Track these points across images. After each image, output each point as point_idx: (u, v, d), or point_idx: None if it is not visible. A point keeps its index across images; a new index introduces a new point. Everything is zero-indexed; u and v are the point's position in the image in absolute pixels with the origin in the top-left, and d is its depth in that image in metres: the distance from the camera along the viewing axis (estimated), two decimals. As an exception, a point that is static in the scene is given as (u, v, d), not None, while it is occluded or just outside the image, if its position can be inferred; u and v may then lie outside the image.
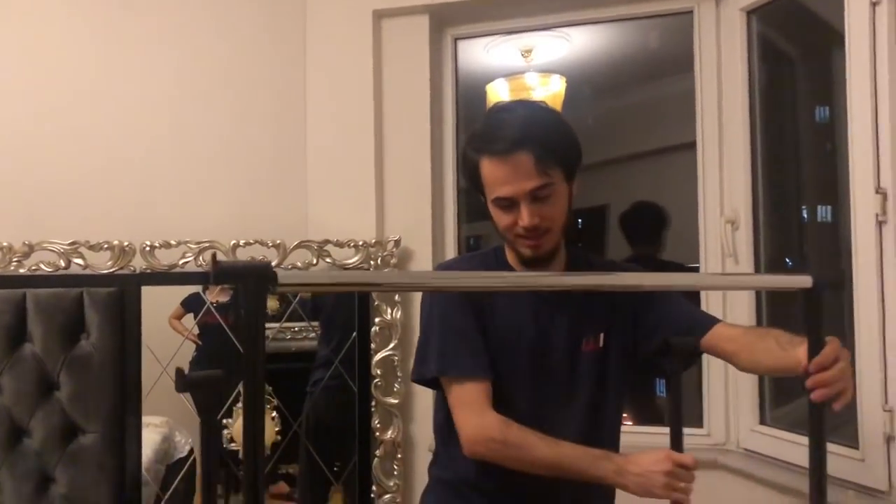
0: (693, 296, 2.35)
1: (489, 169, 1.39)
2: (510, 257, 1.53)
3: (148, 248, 2.26)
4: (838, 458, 1.90)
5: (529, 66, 3.34)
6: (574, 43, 3.15)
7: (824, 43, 2.32)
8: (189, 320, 2.67)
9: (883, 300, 1.76)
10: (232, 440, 2.42)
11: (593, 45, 3.32)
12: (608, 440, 1.51)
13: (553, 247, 1.45)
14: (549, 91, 3.30)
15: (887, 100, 1.75)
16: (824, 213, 2.48)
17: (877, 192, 1.77)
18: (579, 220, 4.66)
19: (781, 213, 2.43)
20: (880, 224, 1.77)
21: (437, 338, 1.47)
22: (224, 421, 2.43)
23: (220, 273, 0.75)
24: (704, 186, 2.35)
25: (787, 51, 2.53)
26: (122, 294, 2.16)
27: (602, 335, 1.48)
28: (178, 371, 1.09)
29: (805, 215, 2.53)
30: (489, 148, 1.39)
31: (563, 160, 1.40)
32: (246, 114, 2.60)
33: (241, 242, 2.34)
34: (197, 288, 2.66)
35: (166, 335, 2.56)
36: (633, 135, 3.97)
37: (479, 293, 1.46)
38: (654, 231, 3.09)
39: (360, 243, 2.42)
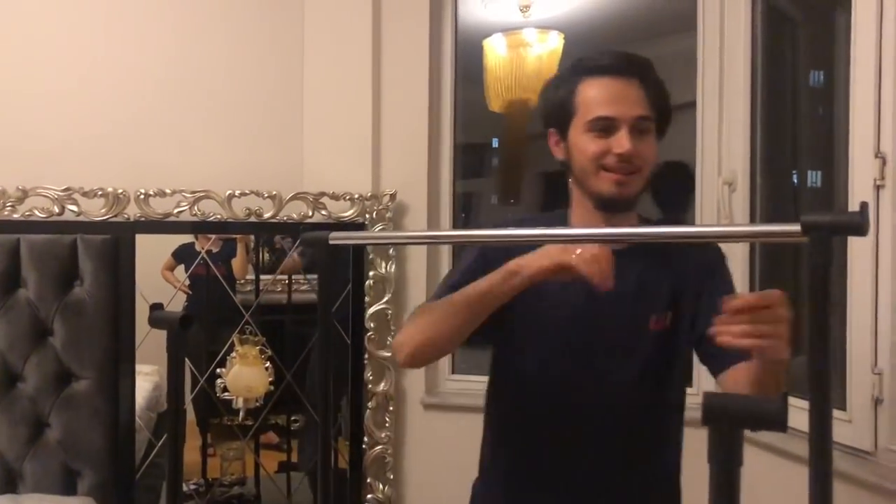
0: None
1: (592, 88, 1.29)
2: (576, 217, 1.38)
3: (142, 196, 2.24)
4: (825, 419, 1.93)
5: (527, 21, 3.30)
6: (574, -1, 3.12)
7: (828, 5, 2.31)
8: (181, 272, 2.66)
9: (877, 265, 1.78)
10: (225, 389, 2.43)
11: (594, 1, 3.29)
12: (670, 430, 1.40)
13: (634, 195, 1.31)
14: (547, 48, 3.26)
15: (892, 64, 1.74)
16: (814, 178, 2.50)
17: (876, 156, 1.78)
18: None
19: (777, 176, 2.44)
20: (878, 189, 1.78)
21: (444, 282, 1.41)
22: (218, 370, 2.44)
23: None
24: (703, 147, 2.35)
25: (791, 12, 2.51)
26: (116, 241, 2.15)
27: (669, 314, 1.32)
28: (152, 306, 1.14)
29: (796, 180, 2.54)
30: (599, 65, 1.29)
31: (662, 113, 1.31)
32: (243, 63, 2.56)
33: (237, 193, 2.32)
34: (188, 238, 2.66)
35: (159, 284, 2.55)
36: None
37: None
38: (684, 194, 2.88)
39: (356, 196, 2.41)
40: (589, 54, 1.33)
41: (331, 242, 1.08)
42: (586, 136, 1.29)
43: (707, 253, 1.37)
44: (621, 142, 1.25)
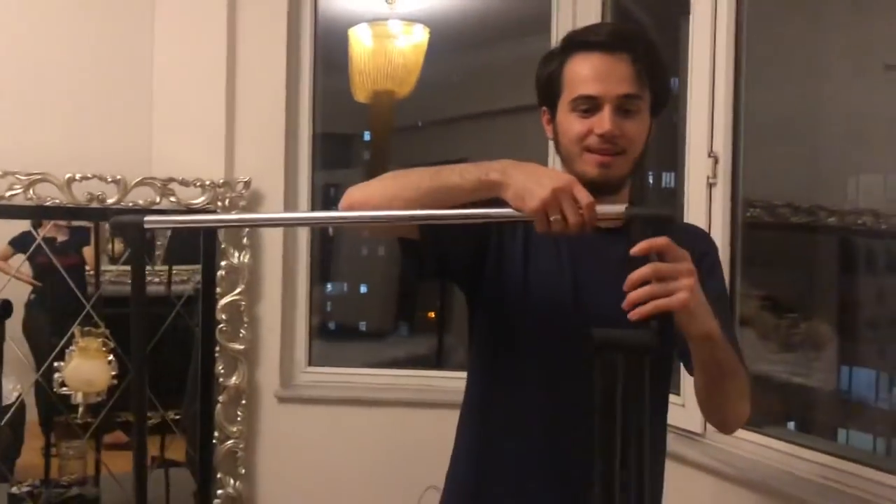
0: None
1: (578, 65, 1.22)
2: None
3: (-32, 178, 2.09)
4: (661, 404, 2.03)
5: (393, 12, 3.29)
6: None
7: (674, 12, 2.42)
8: (18, 262, 2.49)
9: (708, 258, 1.88)
10: (63, 384, 2.30)
11: (459, -3, 3.32)
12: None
13: (620, 177, 1.24)
14: (412, 41, 3.27)
15: (724, 68, 1.86)
16: (668, 179, 2.62)
17: (709, 156, 1.88)
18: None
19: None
20: (710, 186, 1.89)
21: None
22: (56, 364, 2.30)
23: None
24: (557, 145, 2.41)
25: (641, 17, 2.61)
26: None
27: None
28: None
29: (652, 180, 2.65)
30: (587, 40, 1.22)
31: (657, 87, 1.24)
32: (87, 34, 2.42)
33: (78, 176, 2.20)
34: (27, 225, 2.49)
35: (-9, 274, 2.39)
36: (494, 91, 4.01)
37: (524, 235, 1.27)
38: None
39: (208, 183, 2.33)
40: (577, 32, 1.27)
41: (146, 227, 1.01)
42: (571, 115, 1.23)
43: (698, 241, 1.30)
44: (602, 121, 1.19)
